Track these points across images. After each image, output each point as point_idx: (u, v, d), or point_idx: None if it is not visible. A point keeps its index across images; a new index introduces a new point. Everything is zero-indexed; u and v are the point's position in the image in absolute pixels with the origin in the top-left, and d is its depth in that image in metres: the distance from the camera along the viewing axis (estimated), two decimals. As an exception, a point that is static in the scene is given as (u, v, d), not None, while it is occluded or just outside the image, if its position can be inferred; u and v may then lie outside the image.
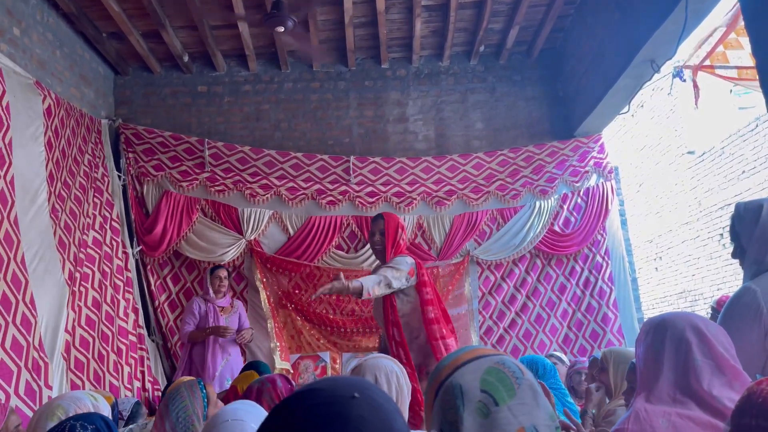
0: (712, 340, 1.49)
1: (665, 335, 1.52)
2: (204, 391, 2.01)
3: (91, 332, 4.59)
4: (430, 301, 3.25)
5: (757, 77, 2.84)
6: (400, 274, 3.21)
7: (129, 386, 4.85)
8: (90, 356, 4.49)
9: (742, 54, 4.84)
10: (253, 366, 3.67)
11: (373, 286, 3.17)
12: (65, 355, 4.17)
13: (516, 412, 0.97)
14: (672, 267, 9.62)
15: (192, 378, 2.23)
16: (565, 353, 5.31)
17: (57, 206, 4.49)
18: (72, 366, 4.25)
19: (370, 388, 0.77)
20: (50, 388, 3.80)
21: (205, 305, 4.79)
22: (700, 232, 8.78)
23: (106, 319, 4.84)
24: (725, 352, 1.48)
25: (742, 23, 4.64)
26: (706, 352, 1.47)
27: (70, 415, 1.96)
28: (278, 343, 5.47)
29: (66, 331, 4.24)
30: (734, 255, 2.12)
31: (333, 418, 0.70)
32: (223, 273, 4.95)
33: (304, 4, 4.64)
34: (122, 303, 5.12)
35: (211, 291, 4.84)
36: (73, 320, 4.39)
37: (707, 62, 5.08)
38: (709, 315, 4.48)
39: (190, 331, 4.68)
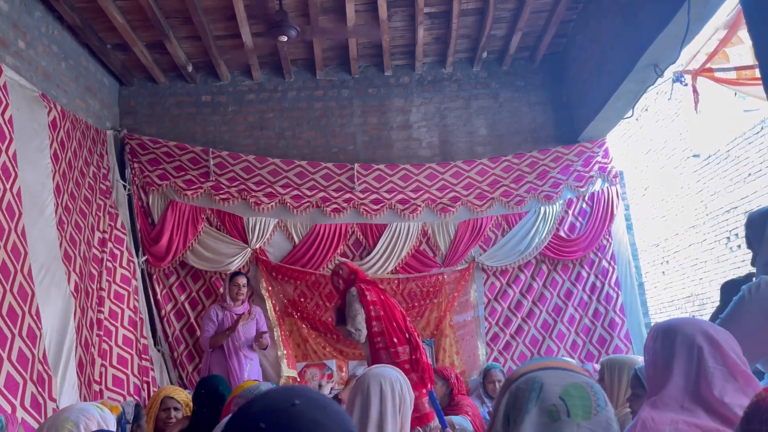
0: (723, 345, 1.47)
1: (675, 341, 1.51)
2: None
3: (96, 344, 4.59)
4: (374, 317, 3.87)
5: (757, 77, 2.83)
6: (351, 316, 3.90)
7: (136, 398, 4.84)
8: (93, 368, 4.49)
9: (743, 49, 4.79)
10: (212, 381, 3.53)
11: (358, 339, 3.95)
12: (77, 367, 4.18)
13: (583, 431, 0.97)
14: (679, 271, 9.57)
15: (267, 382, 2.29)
16: (573, 359, 5.28)
17: (64, 218, 4.51)
18: (84, 378, 4.26)
19: (309, 393, 0.79)
20: (54, 401, 3.80)
21: (222, 313, 4.84)
22: (706, 235, 8.74)
23: (108, 331, 4.84)
24: (736, 358, 1.47)
25: (740, 29, 4.62)
26: (718, 358, 1.46)
27: (80, 427, 1.95)
28: (285, 351, 5.47)
29: (78, 343, 4.26)
30: (753, 263, 2.14)
31: (276, 427, 0.72)
32: (243, 280, 4.99)
33: (317, 33, 4.70)
34: (128, 312, 5.12)
35: (228, 298, 4.88)
36: (86, 332, 4.40)
37: (707, 65, 5.05)
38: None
39: (210, 336, 4.71)
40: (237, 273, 5.11)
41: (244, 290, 4.98)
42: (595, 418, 1.00)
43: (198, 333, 5.52)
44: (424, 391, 3.53)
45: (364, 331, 3.88)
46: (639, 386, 2.13)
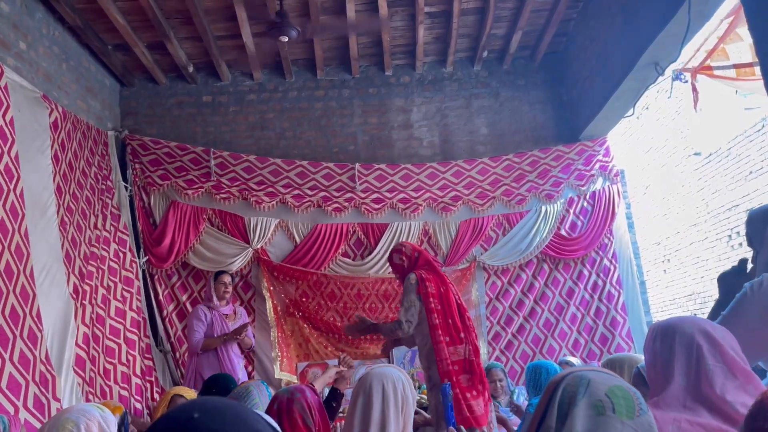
0: (722, 343, 1.47)
1: (674, 340, 1.51)
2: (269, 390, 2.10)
3: (96, 346, 4.59)
4: (433, 309, 3.59)
5: (757, 74, 2.82)
6: (405, 307, 3.66)
7: (138, 398, 4.85)
8: (96, 369, 4.50)
9: (742, 46, 4.78)
10: (222, 379, 3.57)
11: (387, 335, 3.84)
12: (76, 368, 4.18)
13: (628, 430, 1.02)
14: (680, 269, 9.56)
15: (255, 380, 2.34)
16: (575, 357, 5.28)
17: (66, 219, 4.52)
18: (84, 379, 4.26)
19: (210, 404, 0.81)
20: (58, 400, 3.80)
21: (210, 313, 4.76)
22: (708, 233, 8.73)
23: (112, 331, 4.84)
24: (735, 355, 1.47)
25: (738, 25, 4.61)
26: (717, 356, 1.46)
27: (81, 427, 1.96)
28: (279, 353, 5.47)
29: (77, 345, 4.26)
30: (753, 260, 2.14)
31: None
32: (227, 279, 4.92)
33: (318, 31, 4.67)
34: (129, 314, 5.12)
35: (215, 298, 4.81)
36: (84, 333, 4.40)
37: (707, 63, 5.04)
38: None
39: (202, 339, 4.61)
40: (221, 272, 5.05)
41: (230, 289, 4.92)
42: (637, 419, 1.04)
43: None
44: (474, 393, 3.44)
45: (414, 324, 3.64)
46: (642, 384, 2.13)
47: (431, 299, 3.59)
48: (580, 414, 1.04)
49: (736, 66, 4.78)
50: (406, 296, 3.67)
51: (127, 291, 5.19)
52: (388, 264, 5.68)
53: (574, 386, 1.08)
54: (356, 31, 5.43)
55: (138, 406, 4.78)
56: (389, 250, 4.10)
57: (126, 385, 4.77)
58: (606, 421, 1.02)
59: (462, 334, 3.59)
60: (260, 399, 2.48)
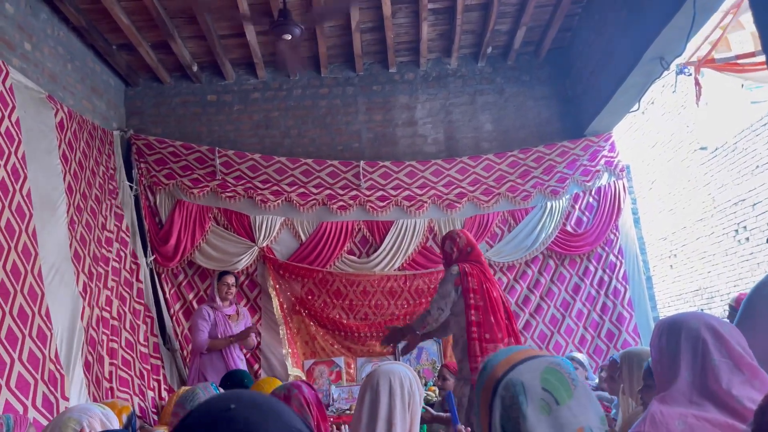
0: (728, 338, 1.48)
1: (680, 336, 1.51)
2: (218, 390, 2.08)
3: (104, 343, 4.62)
4: (473, 305, 3.54)
5: (759, 62, 2.80)
6: (440, 294, 3.63)
7: (142, 395, 4.87)
8: (104, 367, 4.52)
9: (744, 36, 4.75)
10: (237, 375, 3.60)
11: (419, 326, 3.75)
12: (85, 367, 4.21)
13: (575, 412, 1.02)
14: (687, 264, 9.53)
15: (205, 382, 2.29)
16: (581, 353, 5.27)
17: (75, 218, 4.55)
18: (92, 378, 4.29)
19: (246, 396, 0.82)
20: (67, 399, 3.83)
21: (213, 313, 4.75)
22: (714, 228, 8.70)
23: (116, 331, 4.86)
24: (741, 350, 1.47)
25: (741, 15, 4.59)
26: (723, 351, 1.46)
27: (84, 425, 1.99)
28: (290, 350, 5.49)
29: (86, 342, 4.29)
30: None
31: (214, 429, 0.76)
32: (231, 279, 4.91)
33: (318, 18, 4.66)
34: (129, 315, 5.13)
35: (218, 298, 4.81)
36: (93, 332, 4.43)
37: (710, 56, 5.01)
38: (727, 313, 4.44)
39: (208, 339, 4.59)
40: (225, 272, 5.03)
41: (233, 290, 4.90)
42: (575, 392, 1.04)
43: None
44: None
45: (446, 314, 3.62)
46: (650, 377, 2.12)
47: (471, 295, 3.53)
48: (534, 422, 1.02)
49: (738, 56, 4.76)
50: (443, 285, 3.63)
51: (127, 293, 5.19)
52: (394, 261, 5.74)
53: (513, 396, 1.04)
54: (358, 4, 5.33)
55: (143, 405, 4.80)
56: (443, 235, 4.00)
57: (128, 384, 4.78)
58: (555, 417, 1.02)
59: (499, 334, 3.51)
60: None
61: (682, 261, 9.67)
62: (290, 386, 2.21)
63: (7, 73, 4.01)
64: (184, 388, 4.05)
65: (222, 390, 2.48)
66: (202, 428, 0.77)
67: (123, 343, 4.94)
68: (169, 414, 3.52)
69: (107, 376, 4.55)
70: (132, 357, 4.97)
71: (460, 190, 5.92)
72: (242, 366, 4.78)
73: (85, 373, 4.19)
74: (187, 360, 5.49)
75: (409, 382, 1.92)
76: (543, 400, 1.03)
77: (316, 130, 6.25)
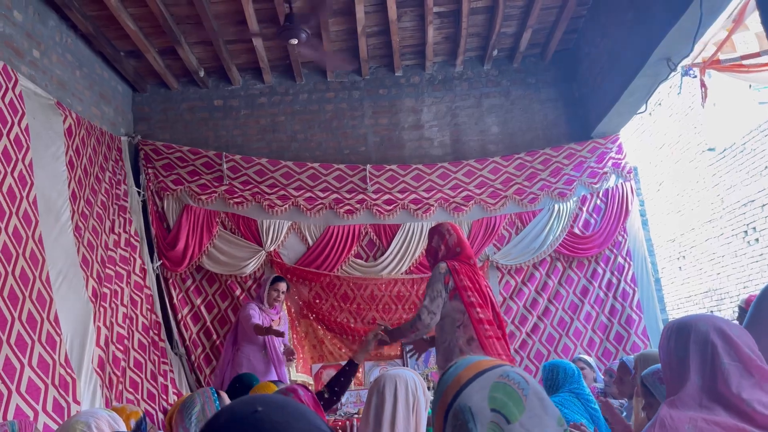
0: (737, 341, 1.47)
1: (689, 339, 1.50)
2: (216, 395, 2.10)
3: (114, 348, 4.64)
4: (474, 303, 3.32)
5: (764, 63, 2.78)
6: (430, 297, 3.36)
7: (151, 401, 4.89)
8: (114, 372, 4.54)
9: (748, 36, 4.73)
10: (245, 379, 3.60)
11: (407, 332, 3.46)
12: (98, 370, 4.23)
13: (528, 426, 0.97)
14: (696, 266, 9.48)
15: (204, 387, 2.29)
16: (590, 356, 5.25)
17: (80, 224, 4.57)
18: (106, 380, 4.32)
19: (272, 399, 0.83)
20: (79, 403, 3.85)
21: (260, 313, 4.83)
22: (723, 229, 8.65)
23: (127, 335, 4.89)
24: (751, 353, 1.46)
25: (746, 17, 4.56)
26: (732, 355, 1.45)
27: (92, 427, 2.01)
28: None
29: (98, 346, 4.31)
30: None
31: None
32: (283, 287, 4.99)
33: (313, 15, 4.67)
34: (141, 319, 5.16)
35: (266, 301, 4.89)
36: (105, 336, 4.46)
37: (716, 57, 4.99)
38: (737, 314, 4.41)
39: (257, 323, 4.58)
40: (279, 278, 5.08)
41: (282, 297, 4.98)
42: (527, 403, 0.99)
43: (215, 336, 5.59)
44: None
45: (438, 318, 3.35)
46: (651, 395, 2.11)
47: (468, 293, 3.31)
48: None
49: (743, 57, 4.74)
50: (433, 285, 3.36)
51: (138, 296, 5.22)
52: (401, 265, 5.73)
53: (463, 422, 1.00)
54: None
55: (151, 410, 4.81)
56: (431, 228, 3.71)
57: (138, 388, 4.80)
58: None
59: (499, 331, 3.35)
60: (206, 407, 2.25)
61: (691, 263, 9.62)
62: (286, 390, 2.22)
63: (17, 81, 4.04)
64: (184, 397, 4.07)
65: (224, 394, 2.48)
66: (231, 430, 0.78)
67: (135, 345, 4.97)
68: (171, 421, 3.53)
69: (120, 377, 4.57)
70: (144, 359, 5.00)
71: (466, 193, 5.92)
72: (283, 366, 4.81)
73: (98, 373, 4.21)
74: (195, 365, 5.52)
75: (414, 386, 1.95)
76: (493, 422, 0.97)
77: (323, 134, 6.26)
